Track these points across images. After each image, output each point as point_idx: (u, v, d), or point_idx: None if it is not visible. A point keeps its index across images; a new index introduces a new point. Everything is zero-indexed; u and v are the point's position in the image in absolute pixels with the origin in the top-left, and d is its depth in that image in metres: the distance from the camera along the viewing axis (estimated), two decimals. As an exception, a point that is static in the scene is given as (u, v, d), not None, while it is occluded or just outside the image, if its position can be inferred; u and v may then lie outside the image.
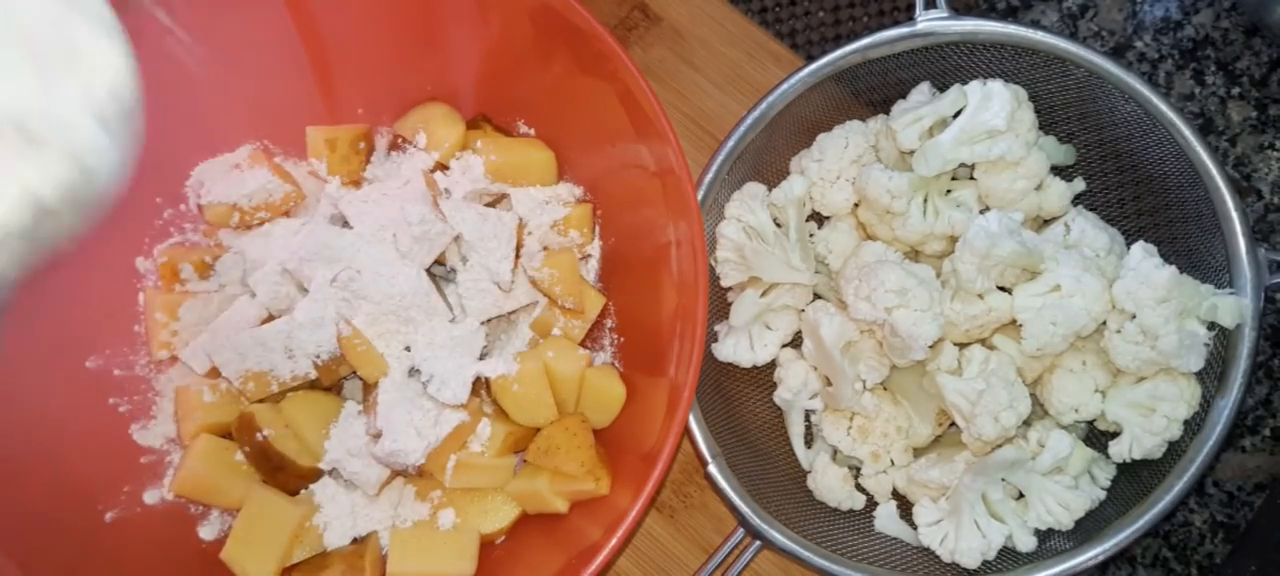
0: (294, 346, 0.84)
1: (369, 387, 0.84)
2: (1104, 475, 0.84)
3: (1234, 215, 0.80)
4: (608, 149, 0.87)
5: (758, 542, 0.84)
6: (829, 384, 0.86)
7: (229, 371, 0.84)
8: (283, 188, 0.90)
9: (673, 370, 0.80)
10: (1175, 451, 0.81)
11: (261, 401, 0.85)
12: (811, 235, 0.91)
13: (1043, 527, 0.82)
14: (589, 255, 0.90)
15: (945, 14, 0.87)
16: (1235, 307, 0.79)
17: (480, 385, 0.84)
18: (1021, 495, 0.83)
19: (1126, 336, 0.78)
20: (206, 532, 0.86)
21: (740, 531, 0.84)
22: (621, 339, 0.89)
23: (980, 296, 0.81)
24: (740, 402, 0.91)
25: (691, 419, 0.85)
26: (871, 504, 0.88)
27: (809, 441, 0.91)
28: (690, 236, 0.80)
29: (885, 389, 0.87)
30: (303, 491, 0.85)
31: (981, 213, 0.84)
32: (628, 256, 0.89)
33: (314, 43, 0.89)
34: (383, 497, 0.85)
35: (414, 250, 0.83)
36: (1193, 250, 0.84)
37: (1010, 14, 1.00)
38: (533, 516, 0.86)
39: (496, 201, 0.90)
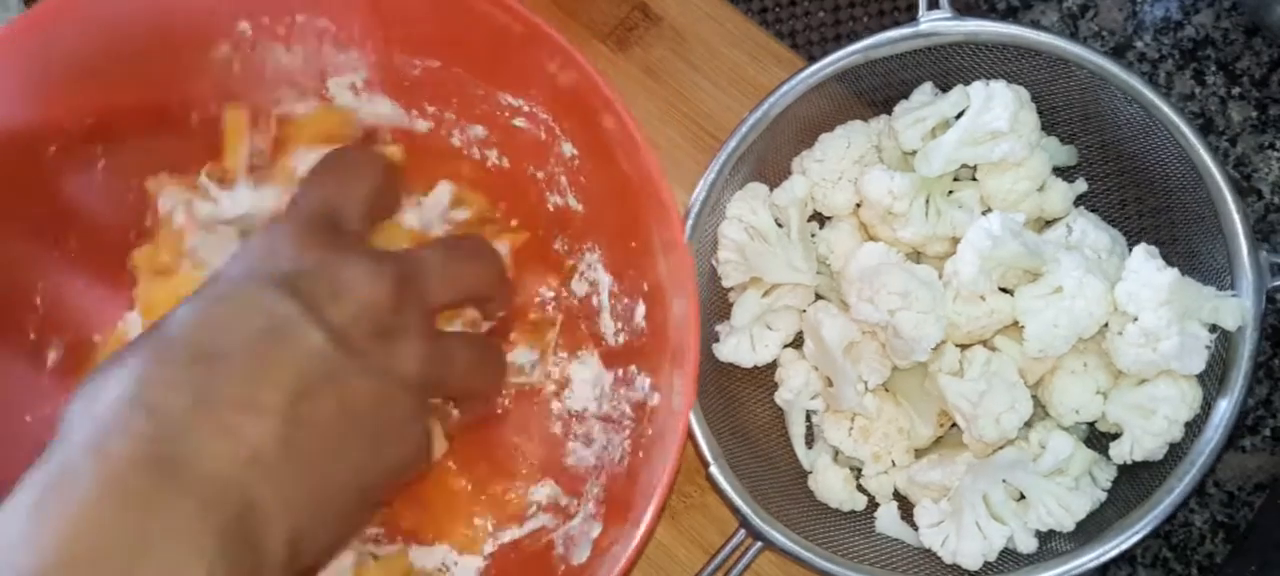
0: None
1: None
2: (1105, 476, 0.84)
3: (1236, 217, 0.80)
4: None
5: (759, 543, 0.84)
6: (830, 385, 0.86)
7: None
8: (283, 188, 0.89)
9: (674, 371, 0.80)
10: (1176, 453, 0.81)
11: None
12: (813, 236, 0.91)
13: (1044, 529, 0.82)
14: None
15: (948, 14, 0.86)
16: (1237, 310, 0.79)
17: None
18: (1022, 496, 0.83)
19: (1128, 338, 0.78)
20: (206, 533, 0.86)
21: (741, 532, 0.84)
22: (622, 340, 0.89)
23: (982, 298, 0.81)
24: (741, 403, 0.90)
25: (692, 420, 0.85)
26: (873, 505, 0.88)
27: (810, 442, 0.91)
28: (675, 240, 0.78)
29: (887, 390, 0.87)
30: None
31: (983, 214, 0.84)
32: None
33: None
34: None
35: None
36: (1194, 252, 0.84)
37: (1010, 14, 1.00)
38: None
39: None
